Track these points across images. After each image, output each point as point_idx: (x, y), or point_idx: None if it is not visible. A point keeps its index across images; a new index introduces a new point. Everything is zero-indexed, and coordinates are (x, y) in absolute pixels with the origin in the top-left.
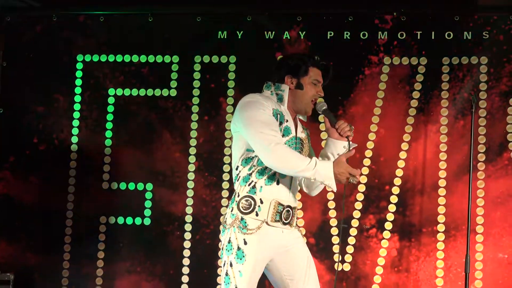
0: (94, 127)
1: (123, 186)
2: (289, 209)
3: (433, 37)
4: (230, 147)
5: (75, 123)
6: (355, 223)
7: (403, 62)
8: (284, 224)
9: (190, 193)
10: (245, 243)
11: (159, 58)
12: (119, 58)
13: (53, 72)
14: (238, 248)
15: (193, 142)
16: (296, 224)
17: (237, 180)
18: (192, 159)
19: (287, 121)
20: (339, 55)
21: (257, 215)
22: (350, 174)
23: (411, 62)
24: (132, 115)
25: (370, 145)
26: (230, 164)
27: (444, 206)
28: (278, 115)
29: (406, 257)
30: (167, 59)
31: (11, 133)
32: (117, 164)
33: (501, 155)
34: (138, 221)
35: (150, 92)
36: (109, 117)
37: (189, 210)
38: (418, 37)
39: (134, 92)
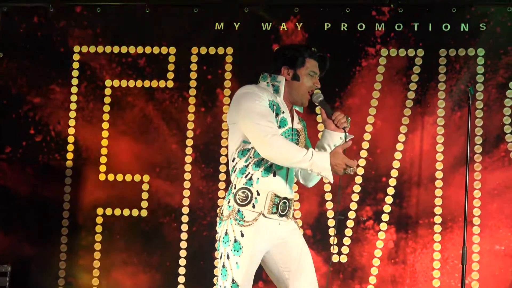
0: (90, 119)
1: (119, 177)
2: (285, 201)
3: (430, 29)
4: (227, 138)
5: (72, 114)
6: (352, 214)
7: (400, 53)
8: (281, 216)
9: (186, 184)
10: (242, 235)
11: (156, 50)
12: (115, 49)
13: (49, 63)
14: (235, 240)
15: (190, 134)
16: (293, 216)
17: (234, 172)
18: (188, 150)
19: (283, 112)
20: (336, 47)
21: (253, 207)
22: (347, 165)
23: (408, 54)
24: (128, 107)
25: (367, 136)
26: (227, 155)
27: (441, 198)
28: (274, 107)
29: (403, 249)
30: (164, 50)
31: (8, 124)
32: (113, 155)
33: (497, 147)
34: (134, 212)
35: (147, 83)
36: (106, 108)
37: (185, 201)
38: (415, 29)
39: (131, 83)
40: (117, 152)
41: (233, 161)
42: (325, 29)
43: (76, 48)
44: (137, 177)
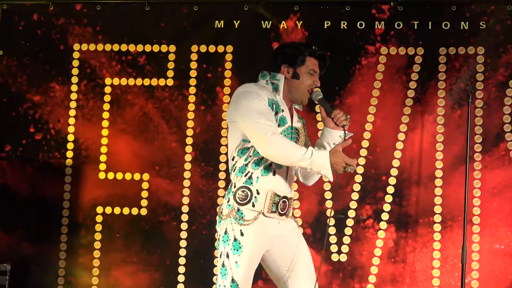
0: (90, 117)
1: (119, 176)
2: (285, 200)
3: (430, 27)
4: (226, 137)
5: (72, 112)
6: (351, 213)
7: (400, 52)
8: (280, 215)
9: (186, 183)
10: (242, 234)
11: (155, 48)
12: (115, 47)
13: (49, 61)
14: (235, 239)
15: (189, 132)
16: (292, 215)
17: (233, 171)
18: (188, 149)
19: (282, 111)
20: (336, 45)
21: (253, 206)
22: (347, 163)
23: (408, 52)
24: (128, 105)
25: (367, 135)
26: (226, 154)
27: (441, 196)
28: (274, 105)
29: (402, 247)
30: (164, 48)
31: (7, 122)
32: (113, 154)
33: (497, 146)
34: (134, 211)
35: (146, 81)
36: (106, 106)
37: (185, 200)
38: (415, 27)
39: (131, 81)
40: (117, 150)
41: (232, 159)
42: (325, 27)
43: (76, 46)
44: (136, 176)
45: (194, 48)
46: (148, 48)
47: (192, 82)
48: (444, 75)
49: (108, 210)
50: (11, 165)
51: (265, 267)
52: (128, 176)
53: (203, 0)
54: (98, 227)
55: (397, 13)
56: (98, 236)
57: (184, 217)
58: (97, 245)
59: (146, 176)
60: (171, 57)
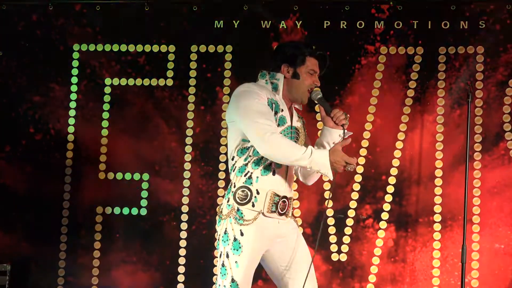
0: (90, 117)
1: (119, 176)
2: (285, 199)
3: (429, 27)
4: (226, 137)
5: (71, 112)
6: (351, 213)
7: (400, 51)
8: (280, 214)
9: (186, 183)
10: (242, 234)
11: (155, 48)
12: (115, 47)
13: (49, 61)
14: (235, 239)
15: (189, 132)
16: (292, 215)
17: (233, 171)
18: (188, 149)
19: (282, 110)
20: (336, 45)
21: (253, 206)
22: (347, 162)
23: (408, 52)
24: (128, 105)
25: (367, 135)
26: (226, 154)
27: (441, 196)
28: (273, 105)
29: (402, 247)
30: (164, 48)
31: (7, 123)
32: (113, 154)
33: (497, 145)
34: (134, 211)
35: (146, 81)
36: (105, 106)
37: (185, 200)
38: (415, 27)
39: (131, 81)
40: (117, 150)
41: (232, 159)
42: (325, 27)
43: (76, 47)
44: (136, 176)
45: (194, 48)
46: (147, 48)
47: (192, 82)
48: (444, 75)
49: (108, 210)
50: (11, 165)
51: (265, 267)
52: (127, 176)
53: (203, 0)
54: (98, 227)
55: (396, 12)
56: (98, 236)
57: (184, 217)
58: (97, 245)
59: (145, 176)
60: (171, 57)
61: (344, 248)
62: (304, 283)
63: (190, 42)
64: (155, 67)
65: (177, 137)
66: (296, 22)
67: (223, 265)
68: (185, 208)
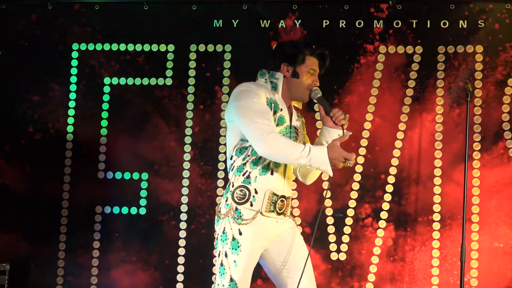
0: (89, 116)
1: (118, 175)
2: (283, 199)
3: (428, 26)
4: (225, 136)
5: (71, 112)
6: (350, 212)
7: (399, 51)
8: (278, 214)
9: (185, 182)
10: (240, 233)
11: (154, 47)
12: (114, 47)
13: (48, 61)
14: (233, 238)
15: (188, 131)
16: (291, 214)
17: (231, 170)
18: (187, 148)
19: (281, 110)
20: (335, 44)
21: (251, 205)
22: (345, 158)
23: (407, 51)
24: (127, 104)
25: (366, 134)
26: (225, 153)
27: (440, 195)
28: (272, 104)
29: (401, 246)
30: (163, 48)
31: (6, 122)
32: (112, 153)
33: (496, 144)
34: (133, 210)
35: (145, 81)
36: (105, 106)
37: (184, 199)
38: (414, 26)
39: (130, 81)
40: (116, 150)
41: (231, 159)
42: (324, 26)
43: (75, 46)
44: (135, 175)
45: (193, 47)
46: (146, 47)
47: (191, 81)
48: (443, 74)
49: (107, 209)
50: (10, 164)
51: (264, 266)
52: (127, 175)
53: (202, 0)
54: (97, 227)
55: (395, 11)
56: (97, 235)
57: (183, 216)
58: (96, 244)
59: (145, 176)
60: (170, 56)
61: (343, 247)
62: (300, 279)
63: (189, 42)
64: (154, 67)
65: (176, 136)
66: (295, 21)
67: (221, 264)
68: (184, 208)
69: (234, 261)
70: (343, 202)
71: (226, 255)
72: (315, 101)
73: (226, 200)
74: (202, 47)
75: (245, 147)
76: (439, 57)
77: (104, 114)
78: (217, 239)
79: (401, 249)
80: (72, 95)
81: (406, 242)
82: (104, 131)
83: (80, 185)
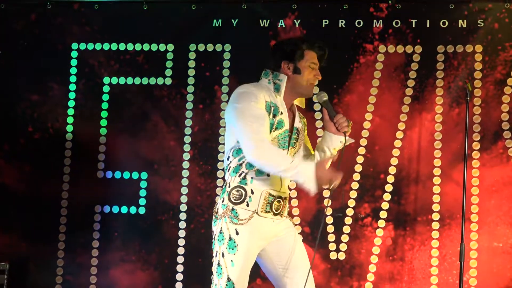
0: (89, 116)
1: (117, 175)
2: (280, 199)
3: (428, 25)
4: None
5: (70, 111)
6: (350, 212)
7: (398, 50)
8: (275, 214)
9: (184, 182)
10: (237, 233)
11: (154, 47)
12: (114, 46)
13: (47, 60)
14: (230, 238)
15: (188, 131)
16: (288, 214)
17: (228, 171)
18: (187, 147)
19: (281, 113)
20: (334, 43)
21: (247, 205)
22: (331, 180)
23: (406, 51)
24: (127, 104)
25: (365, 133)
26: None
27: (439, 195)
28: (272, 108)
29: (401, 246)
30: (162, 47)
31: (5, 122)
32: (112, 153)
33: (496, 144)
34: (133, 210)
35: (145, 80)
36: (104, 105)
37: (183, 199)
38: (413, 25)
39: (129, 80)
40: (115, 149)
41: (227, 159)
42: (323, 25)
43: (74, 45)
44: (135, 174)
45: (192, 47)
46: (146, 47)
47: (190, 80)
48: (442, 73)
49: (106, 209)
50: (9, 164)
51: (262, 267)
52: (126, 175)
53: None
54: (96, 226)
55: (395, 11)
56: (96, 235)
57: (183, 216)
58: (95, 244)
59: (144, 175)
60: (169, 56)
61: (343, 246)
62: (306, 281)
63: (189, 41)
64: (154, 66)
65: (175, 136)
66: (295, 21)
67: (219, 264)
68: (183, 207)
69: (231, 261)
70: (343, 201)
71: (223, 255)
72: (321, 104)
73: (223, 201)
74: (201, 47)
75: (241, 148)
76: (439, 57)
77: (104, 114)
78: (214, 239)
79: (400, 248)
80: (72, 95)
81: (405, 242)
82: (103, 131)
83: (80, 184)
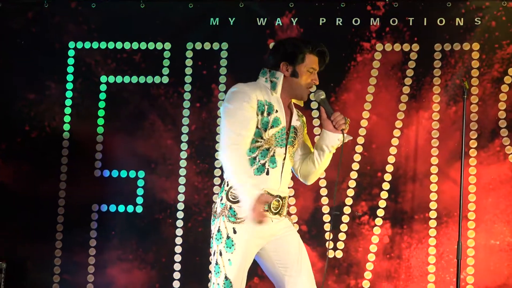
0: (86, 115)
1: (115, 173)
2: (278, 199)
3: (425, 24)
4: None
5: (67, 110)
6: (347, 210)
7: (395, 48)
8: (274, 214)
9: (182, 180)
10: (235, 232)
11: (151, 45)
12: (111, 45)
13: (44, 59)
14: (228, 237)
15: (185, 129)
16: (287, 213)
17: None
18: (184, 146)
19: (276, 111)
20: (331, 42)
21: None
22: (257, 217)
23: (403, 49)
24: (124, 103)
25: (362, 132)
26: None
27: (436, 192)
28: (266, 106)
29: (398, 244)
30: (159, 46)
31: (2, 121)
32: (109, 151)
33: (493, 142)
34: (130, 208)
35: (142, 79)
36: (101, 104)
37: (181, 197)
38: (410, 24)
39: (126, 79)
40: (112, 148)
41: None
42: (320, 24)
43: (71, 44)
44: (132, 173)
45: (189, 45)
46: (143, 45)
47: (188, 79)
48: (440, 72)
49: (104, 207)
50: (6, 163)
51: (262, 266)
52: (123, 173)
53: None
54: (94, 225)
55: (392, 9)
56: (93, 233)
57: (180, 215)
58: (93, 242)
59: (141, 174)
60: (166, 54)
61: (340, 245)
62: (323, 282)
63: (186, 40)
64: (151, 65)
65: (172, 134)
66: (292, 19)
67: (216, 263)
68: (181, 206)
69: (229, 259)
70: (340, 199)
71: (220, 254)
72: (318, 103)
73: (221, 199)
74: (198, 45)
75: None
76: (436, 55)
77: (101, 112)
78: (212, 238)
79: (397, 246)
80: (69, 93)
81: (402, 240)
82: (100, 129)
83: (77, 183)
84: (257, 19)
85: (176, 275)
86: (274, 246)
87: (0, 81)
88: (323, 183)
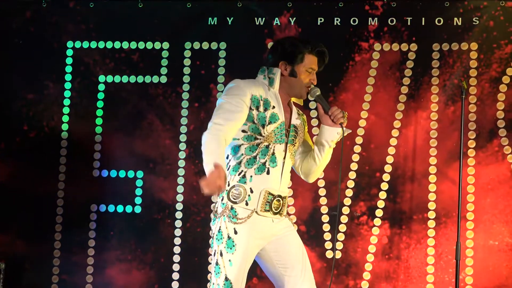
0: (84, 114)
1: (113, 173)
2: (279, 198)
3: (423, 23)
4: None
5: (66, 110)
6: (345, 210)
7: (393, 48)
8: (274, 214)
9: (180, 180)
10: (235, 232)
11: (149, 45)
12: (109, 44)
13: (42, 58)
14: (228, 237)
15: (183, 129)
16: (287, 213)
17: (227, 170)
18: (182, 146)
19: (273, 107)
20: (329, 42)
21: (247, 204)
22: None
23: (401, 49)
24: (122, 102)
25: (361, 131)
26: None
27: (435, 193)
28: (261, 102)
29: (397, 244)
30: (157, 45)
31: (1, 120)
32: (107, 151)
33: (491, 142)
34: (128, 209)
35: (140, 79)
36: (99, 104)
37: (179, 197)
38: (408, 23)
39: (125, 79)
40: (111, 148)
41: (226, 158)
42: (318, 23)
43: (70, 44)
44: (130, 173)
45: (188, 45)
46: (141, 45)
47: (186, 79)
48: (438, 71)
49: (102, 208)
50: (4, 163)
51: (262, 266)
52: (122, 173)
53: None
54: (92, 225)
55: (390, 9)
56: (92, 234)
57: (178, 215)
58: (91, 243)
59: (140, 174)
60: (165, 54)
61: (339, 245)
62: (330, 282)
63: (184, 39)
64: (149, 64)
65: (171, 134)
66: (290, 19)
67: (216, 263)
68: (179, 206)
69: (229, 260)
70: (338, 200)
71: (221, 254)
72: (314, 100)
73: (222, 199)
74: (197, 45)
75: (237, 145)
76: (434, 55)
77: (99, 112)
78: (213, 238)
79: (396, 247)
80: (67, 93)
81: (401, 240)
82: (99, 129)
83: (75, 183)
84: (255, 18)
85: (175, 276)
86: (274, 246)
87: None
88: (321, 183)
